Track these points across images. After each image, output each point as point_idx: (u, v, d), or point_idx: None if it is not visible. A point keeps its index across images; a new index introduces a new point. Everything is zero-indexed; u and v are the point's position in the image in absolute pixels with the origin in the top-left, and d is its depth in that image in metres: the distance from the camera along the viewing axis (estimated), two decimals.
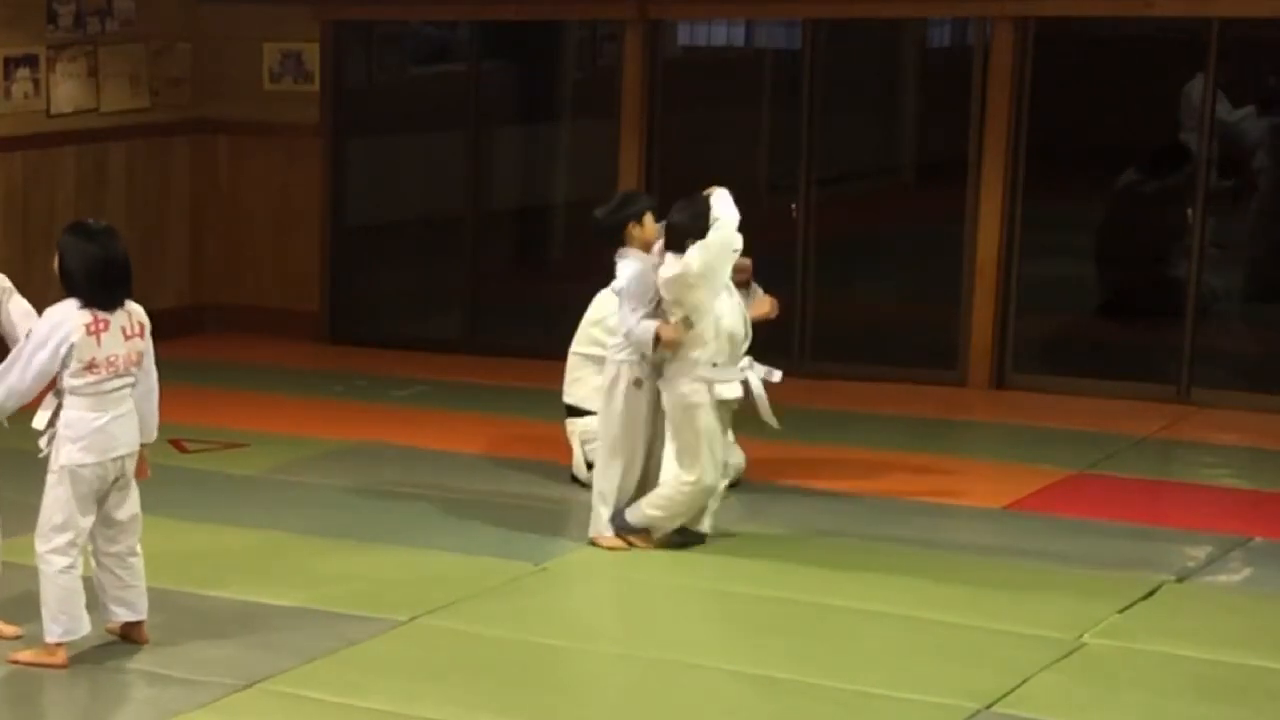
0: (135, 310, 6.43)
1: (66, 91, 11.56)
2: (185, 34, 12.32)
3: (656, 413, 7.80)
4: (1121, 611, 7.10)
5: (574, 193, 13.27)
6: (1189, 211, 10.80)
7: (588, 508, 8.56)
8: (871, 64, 14.35)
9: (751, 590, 7.37)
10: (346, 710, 6.12)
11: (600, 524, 7.84)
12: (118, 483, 6.43)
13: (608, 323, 8.28)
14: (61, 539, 6.32)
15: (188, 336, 12.18)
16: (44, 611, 6.36)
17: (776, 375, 7.76)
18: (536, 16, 12.22)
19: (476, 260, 12.32)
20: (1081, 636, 6.81)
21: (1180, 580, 7.50)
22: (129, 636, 6.59)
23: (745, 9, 12.32)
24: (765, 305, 8.61)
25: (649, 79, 11.61)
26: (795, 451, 9.17)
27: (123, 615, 6.55)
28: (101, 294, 6.32)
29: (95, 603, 6.52)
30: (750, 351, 7.82)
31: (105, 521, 6.44)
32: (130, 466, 6.45)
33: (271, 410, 10.35)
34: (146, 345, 6.44)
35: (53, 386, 6.35)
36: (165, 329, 11.71)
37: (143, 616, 6.58)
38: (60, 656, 6.37)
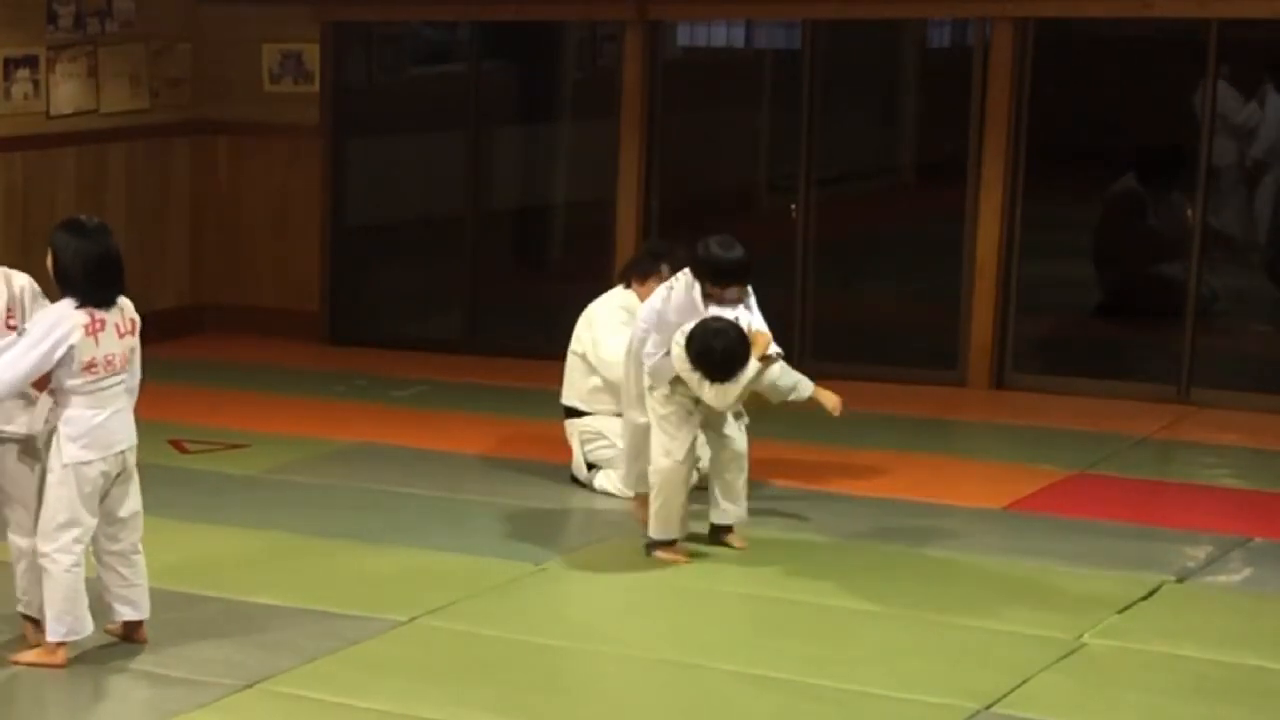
0: (127, 306, 6.42)
1: (66, 92, 11.56)
2: (185, 34, 12.32)
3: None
4: (1121, 611, 7.10)
5: (574, 193, 13.28)
6: (1189, 211, 10.80)
7: (588, 508, 8.59)
8: (871, 64, 14.35)
9: (751, 590, 7.37)
10: (346, 710, 6.12)
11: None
12: (119, 478, 6.43)
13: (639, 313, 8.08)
14: (67, 536, 6.32)
15: (188, 336, 12.19)
16: (48, 611, 6.36)
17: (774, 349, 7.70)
18: (536, 17, 12.22)
19: (476, 260, 12.33)
20: (1081, 636, 6.81)
21: (1180, 580, 7.50)
22: (129, 636, 6.59)
23: (745, 9, 12.32)
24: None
25: (649, 79, 11.61)
26: (794, 452, 9.17)
27: (127, 614, 6.55)
28: (98, 291, 6.31)
29: (96, 604, 6.51)
30: None
31: (107, 519, 6.44)
32: (131, 460, 6.45)
33: (271, 410, 10.36)
34: (136, 342, 6.44)
35: (45, 384, 6.34)
36: (165, 329, 11.85)
37: (146, 615, 6.58)
38: (60, 657, 6.37)
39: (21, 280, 6.53)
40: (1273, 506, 8.60)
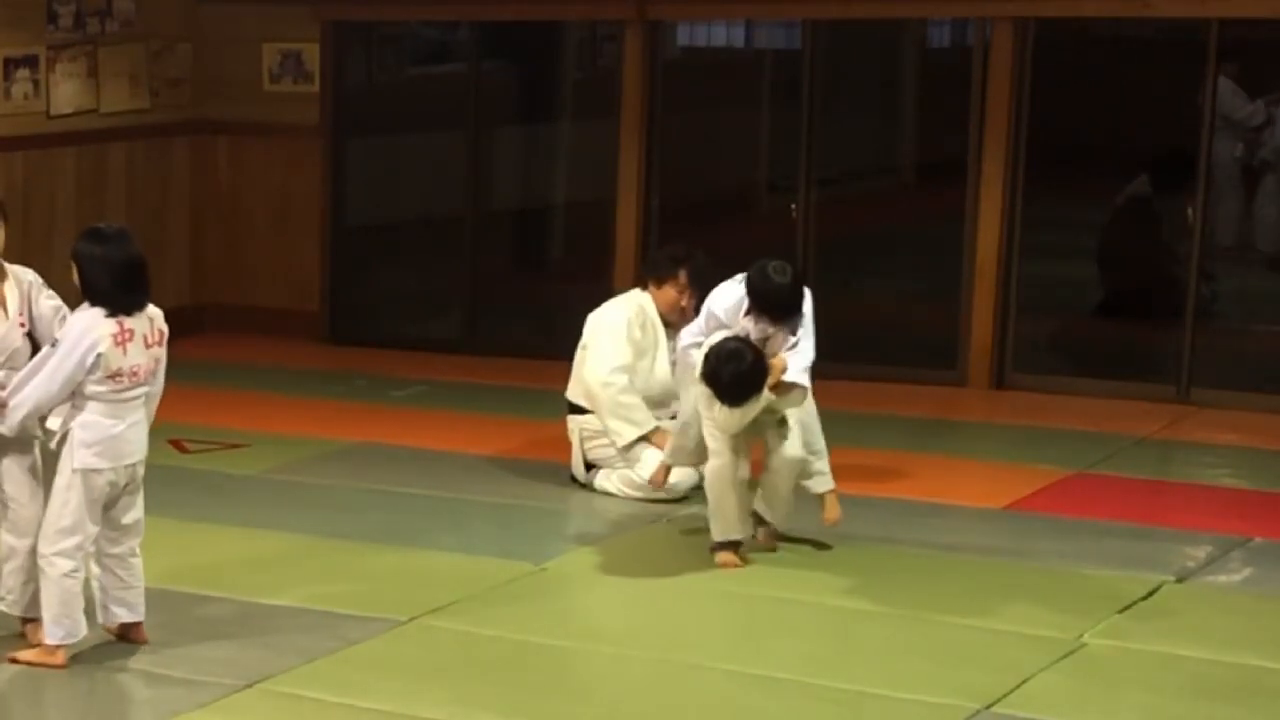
0: (156, 316, 6.41)
1: (66, 92, 11.56)
2: (185, 34, 12.32)
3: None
4: (1121, 611, 7.10)
5: (574, 193, 13.28)
6: (1189, 211, 10.81)
7: (588, 508, 8.59)
8: (871, 64, 14.35)
9: (751, 590, 7.37)
10: (347, 710, 6.12)
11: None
12: (127, 488, 6.43)
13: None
14: (69, 542, 6.32)
15: (188, 336, 12.14)
16: (45, 614, 6.36)
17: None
18: (536, 17, 12.22)
19: (476, 260, 12.32)
20: (1081, 636, 6.81)
21: (1180, 580, 7.50)
22: (127, 636, 6.59)
23: (745, 9, 12.32)
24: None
25: (649, 79, 11.61)
26: None
27: (123, 616, 6.55)
28: (125, 298, 6.31)
29: (93, 605, 6.51)
30: None
31: (110, 525, 6.44)
32: (140, 472, 6.45)
33: (271, 410, 10.36)
34: (163, 354, 6.44)
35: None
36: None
37: (141, 617, 6.58)
38: (60, 657, 6.38)
39: (29, 275, 6.54)
40: (1273, 506, 8.61)
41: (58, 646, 6.37)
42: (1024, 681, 6.38)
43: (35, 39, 11.38)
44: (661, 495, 8.48)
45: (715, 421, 7.50)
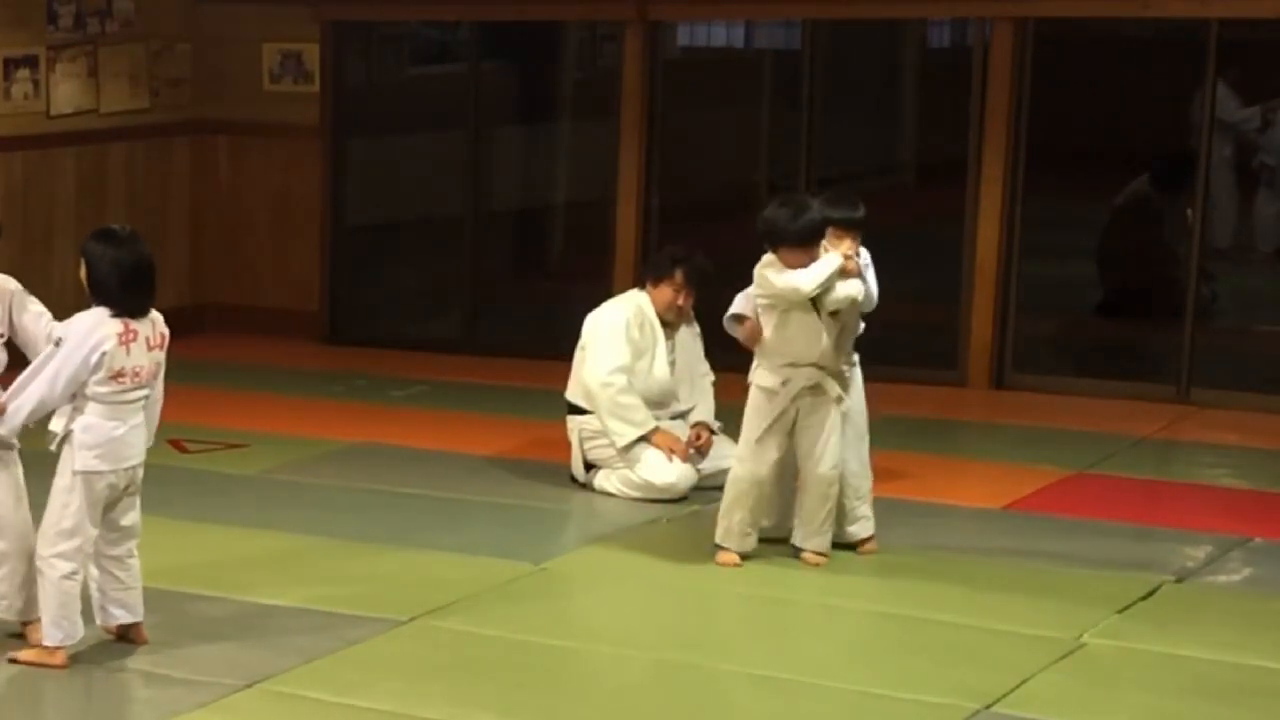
0: (158, 319, 6.42)
1: (66, 92, 11.56)
2: (185, 34, 12.32)
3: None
4: (1121, 611, 7.10)
5: (574, 193, 13.29)
6: (1189, 212, 10.81)
7: (588, 508, 8.59)
8: (871, 64, 14.37)
9: (751, 590, 7.37)
10: (347, 710, 6.12)
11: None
12: (127, 490, 6.43)
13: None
14: (69, 545, 6.31)
15: (188, 336, 12.13)
16: (44, 615, 6.35)
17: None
18: (536, 17, 12.22)
19: (476, 260, 12.32)
20: (1081, 636, 6.81)
21: (1180, 580, 7.50)
22: (126, 637, 6.59)
23: (745, 9, 12.33)
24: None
25: (649, 79, 11.61)
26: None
27: (122, 617, 6.54)
28: (133, 300, 6.31)
29: (90, 607, 6.51)
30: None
31: (109, 526, 6.44)
32: (140, 475, 6.45)
33: (271, 410, 10.36)
34: (163, 357, 6.44)
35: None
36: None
37: (140, 618, 6.57)
38: (60, 657, 6.37)
39: (11, 285, 6.54)
40: (1273, 506, 8.61)
41: (57, 647, 6.36)
42: (1024, 681, 6.38)
43: (35, 39, 11.38)
44: (661, 495, 8.49)
45: (781, 294, 7.30)
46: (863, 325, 7.71)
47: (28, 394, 6.27)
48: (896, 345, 11.53)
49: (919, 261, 12.06)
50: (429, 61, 13.62)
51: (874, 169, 14.86)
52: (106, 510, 6.39)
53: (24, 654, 6.42)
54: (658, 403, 8.72)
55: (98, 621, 6.53)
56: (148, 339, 6.34)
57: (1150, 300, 11.63)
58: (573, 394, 8.83)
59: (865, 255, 7.58)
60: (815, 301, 7.37)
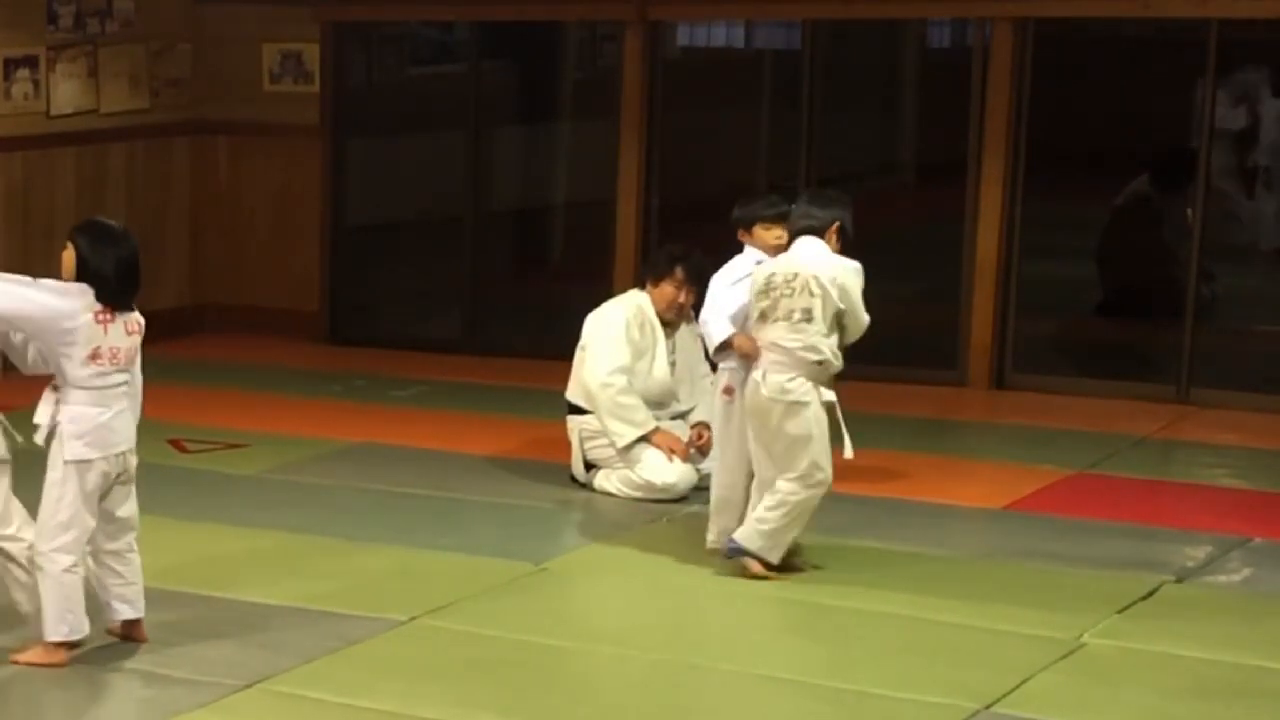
0: (134, 311, 6.44)
1: (66, 92, 11.57)
2: (185, 34, 12.32)
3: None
4: (1121, 611, 7.10)
5: (574, 193, 13.29)
6: (1189, 212, 10.81)
7: (588, 508, 8.59)
8: (871, 64, 14.36)
9: (751, 590, 7.37)
10: (347, 710, 6.12)
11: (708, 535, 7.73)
12: (120, 479, 6.43)
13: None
14: (67, 537, 6.32)
15: (188, 336, 12.19)
16: (47, 611, 6.34)
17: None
18: (536, 17, 12.22)
19: (476, 260, 12.33)
20: (1081, 636, 6.81)
21: (1180, 580, 7.50)
22: (129, 635, 6.59)
23: (745, 9, 12.33)
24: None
25: (649, 79, 11.61)
26: None
27: (125, 613, 6.54)
28: (120, 295, 6.35)
29: (94, 605, 6.51)
30: None
31: (106, 519, 6.44)
32: (132, 462, 6.46)
33: (271, 410, 10.36)
34: (139, 343, 6.45)
35: (52, 380, 6.35)
36: (165, 329, 11.83)
37: (142, 614, 6.58)
38: (61, 656, 6.37)
39: None
40: (1273, 506, 8.61)
41: (59, 645, 6.36)
42: (1024, 681, 6.38)
43: (35, 39, 11.38)
44: (661, 495, 8.49)
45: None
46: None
47: None
48: (896, 345, 11.55)
49: (919, 261, 12.07)
50: (429, 61, 13.62)
51: (874, 169, 14.86)
52: (101, 500, 6.38)
53: (25, 654, 6.41)
54: (658, 403, 8.72)
55: (102, 617, 6.53)
56: (125, 323, 6.36)
57: (1150, 300, 11.63)
58: (573, 394, 8.83)
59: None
60: None
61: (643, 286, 8.88)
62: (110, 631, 6.60)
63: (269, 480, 8.92)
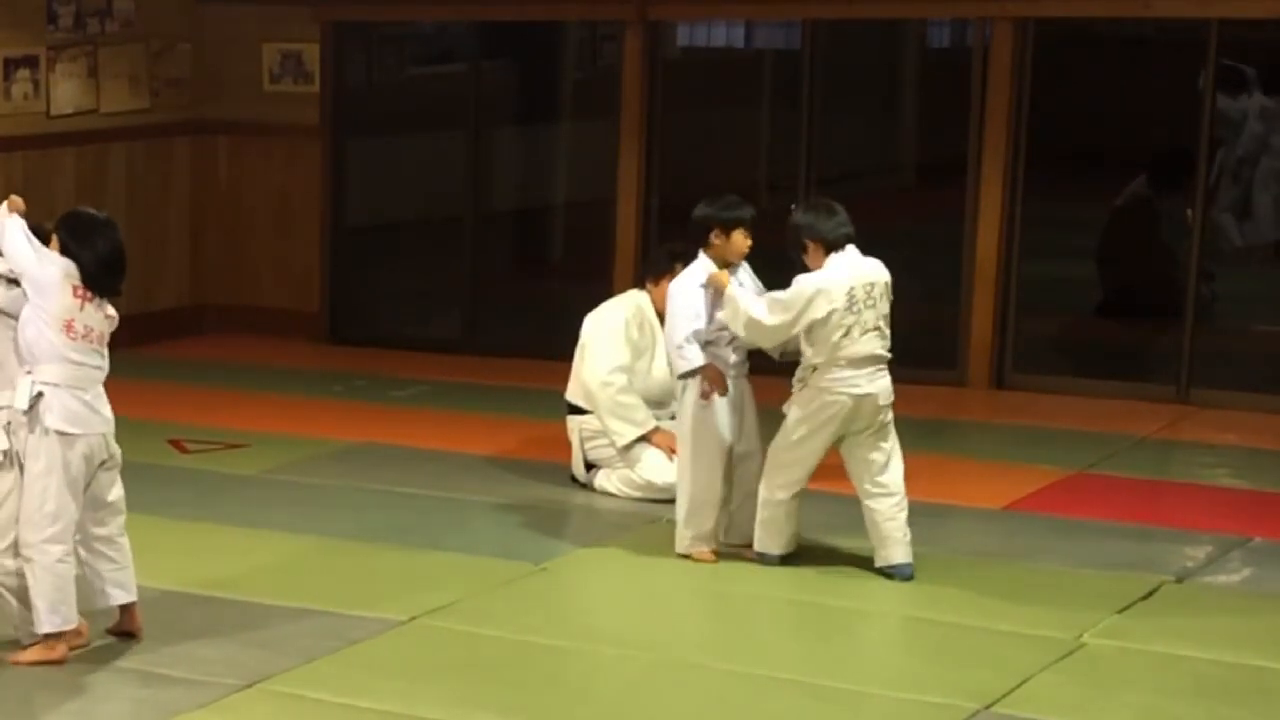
0: (117, 294, 6.51)
1: (66, 92, 11.57)
2: (185, 34, 12.32)
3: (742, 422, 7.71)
4: (1121, 611, 7.10)
5: (574, 193, 13.29)
6: (1188, 211, 10.81)
7: (588, 508, 8.59)
8: (871, 64, 14.36)
9: (751, 590, 7.37)
10: (347, 710, 6.12)
11: (680, 541, 7.76)
12: (105, 464, 6.42)
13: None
14: (56, 527, 6.31)
15: (188, 336, 12.19)
16: (39, 603, 6.32)
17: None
18: (536, 17, 12.22)
19: (476, 260, 12.33)
20: (1081, 636, 6.81)
21: (1180, 580, 7.50)
22: (125, 627, 6.58)
23: (745, 9, 12.33)
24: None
25: (649, 79, 11.61)
26: None
27: (120, 597, 6.53)
28: (108, 285, 6.39)
29: (94, 606, 6.51)
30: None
31: (94, 504, 6.43)
32: (115, 447, 6.45)
33: (271, 410, 10.36)
34: (110, 330, 6.47)
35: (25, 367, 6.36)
36: (165, 329, 11.84)
37: (135, 597, 6.56)
38: (60, 652, 6.37)
39: None
40: (1273, 506, 8.61)
41: (57, 641, 6.36)
42: (1024, 681, 6.38)
43: (35, 39, 11.38)
44: (661, 495, 8.49)
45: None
46: None
47: None
48: (896, 345, 11.55)
49: (919, 261, 12.05)
50: (429, 61, 13.61)
51: (874, 169, 14.86)
52: (87, 488, 6.37)
53: (24, 655, 6.41)
54: (658, 402, 8.72)
55: (98, 605, 6.51)
56: (102, 307, 6.41)
57: (1150, 300, 11.63)
58: (573, 394, 8.84)
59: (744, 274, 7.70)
60: None
61: (642, 286, 8.87)
62: (109, 631, 6.60)
63: (269, 480, 8.92)
